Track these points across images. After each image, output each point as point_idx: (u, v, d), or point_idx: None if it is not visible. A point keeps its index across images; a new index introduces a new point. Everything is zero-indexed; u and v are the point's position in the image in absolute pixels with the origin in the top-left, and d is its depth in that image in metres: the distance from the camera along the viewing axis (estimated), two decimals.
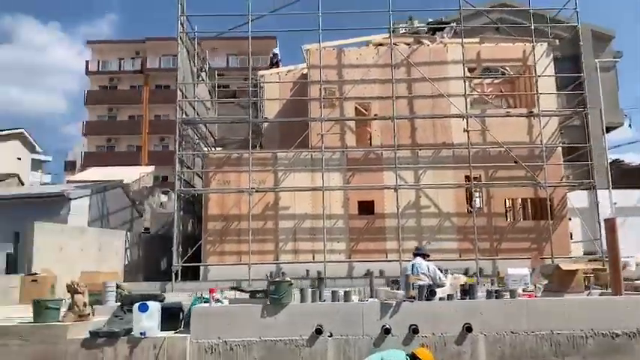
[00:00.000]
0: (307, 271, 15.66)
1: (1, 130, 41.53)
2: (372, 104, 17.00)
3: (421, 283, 8.66)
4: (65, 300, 7.92)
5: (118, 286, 9.58)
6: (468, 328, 7.41)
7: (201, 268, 15.93)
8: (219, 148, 19.24)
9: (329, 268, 15.20)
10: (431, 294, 7.75)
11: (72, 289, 7.69)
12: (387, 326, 7.44)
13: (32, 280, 9.98)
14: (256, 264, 15.40)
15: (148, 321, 7.34)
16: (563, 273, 8.94)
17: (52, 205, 16.28)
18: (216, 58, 44.19)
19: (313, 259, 15.89)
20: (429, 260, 9.42)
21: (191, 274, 16.25)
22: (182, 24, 16.94)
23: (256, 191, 15.80)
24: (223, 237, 16.10)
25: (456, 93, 16.26)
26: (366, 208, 16.50)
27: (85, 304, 7.71)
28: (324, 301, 7.96)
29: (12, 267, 13.25)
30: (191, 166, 17.34)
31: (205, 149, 18.61)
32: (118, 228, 17.57)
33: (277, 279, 8.31)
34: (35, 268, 12.23)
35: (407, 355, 6.95)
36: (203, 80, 19.63)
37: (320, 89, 16.25)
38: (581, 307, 7.77)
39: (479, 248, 15.41)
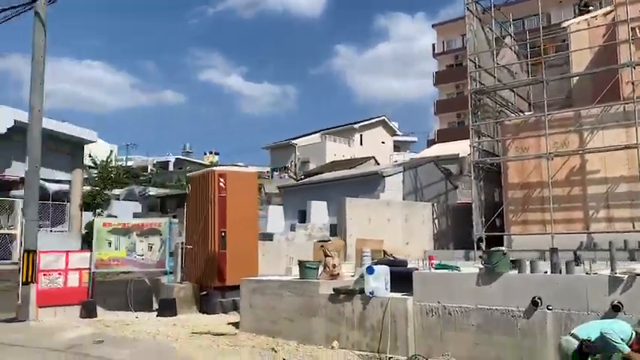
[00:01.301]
0: (625, 241, 13.68)
1: (367, 120, 48.44)
2: None
3: None
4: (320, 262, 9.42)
5: (384, 252, 10.69)
6: None
7: (505, 237, 15.69)
8: (529, 113, 18.26)
9: None
10: None
11: (324, 253, 9.17)
12: (617, 303, 6.37)
13: (320, 247, 12.02)
14: (562, 234, 14.30)
15: (375, 282, 8.18)
16: None
17: (371, 182, 18.67)
18: (563, 10, 40.86)
19: (633, 227, 13.76)
20: None
21: (499, 242, 16.15)
22: None
23: (556, 155, 14.60)
24: (525, 205, 15.48)
25: None
26: None
27: (334, 266, 9.07)
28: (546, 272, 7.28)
29: (334, 234, 15.99)
30: (492, 135, 17.12)
31: (513, 115, 18.01)
32: (432, 200, 18.76)
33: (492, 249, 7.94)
34: (347, 236, 14.57)
35: (634, 330, 5.85)
36: (507, 45, 18.95)
37: (628, 29, 13.81)
38: None
39: None
